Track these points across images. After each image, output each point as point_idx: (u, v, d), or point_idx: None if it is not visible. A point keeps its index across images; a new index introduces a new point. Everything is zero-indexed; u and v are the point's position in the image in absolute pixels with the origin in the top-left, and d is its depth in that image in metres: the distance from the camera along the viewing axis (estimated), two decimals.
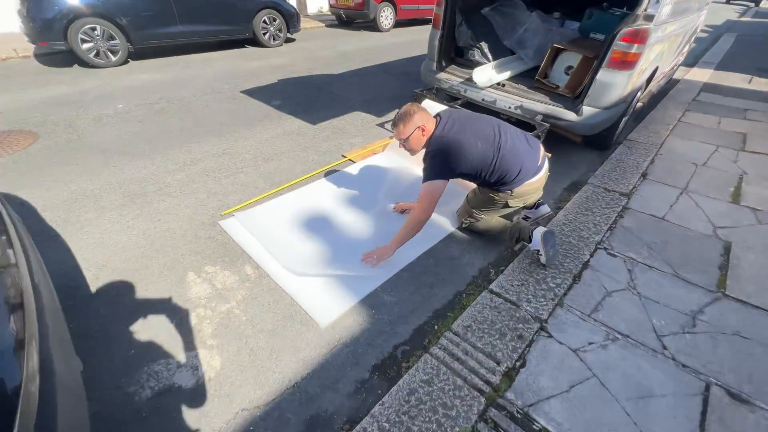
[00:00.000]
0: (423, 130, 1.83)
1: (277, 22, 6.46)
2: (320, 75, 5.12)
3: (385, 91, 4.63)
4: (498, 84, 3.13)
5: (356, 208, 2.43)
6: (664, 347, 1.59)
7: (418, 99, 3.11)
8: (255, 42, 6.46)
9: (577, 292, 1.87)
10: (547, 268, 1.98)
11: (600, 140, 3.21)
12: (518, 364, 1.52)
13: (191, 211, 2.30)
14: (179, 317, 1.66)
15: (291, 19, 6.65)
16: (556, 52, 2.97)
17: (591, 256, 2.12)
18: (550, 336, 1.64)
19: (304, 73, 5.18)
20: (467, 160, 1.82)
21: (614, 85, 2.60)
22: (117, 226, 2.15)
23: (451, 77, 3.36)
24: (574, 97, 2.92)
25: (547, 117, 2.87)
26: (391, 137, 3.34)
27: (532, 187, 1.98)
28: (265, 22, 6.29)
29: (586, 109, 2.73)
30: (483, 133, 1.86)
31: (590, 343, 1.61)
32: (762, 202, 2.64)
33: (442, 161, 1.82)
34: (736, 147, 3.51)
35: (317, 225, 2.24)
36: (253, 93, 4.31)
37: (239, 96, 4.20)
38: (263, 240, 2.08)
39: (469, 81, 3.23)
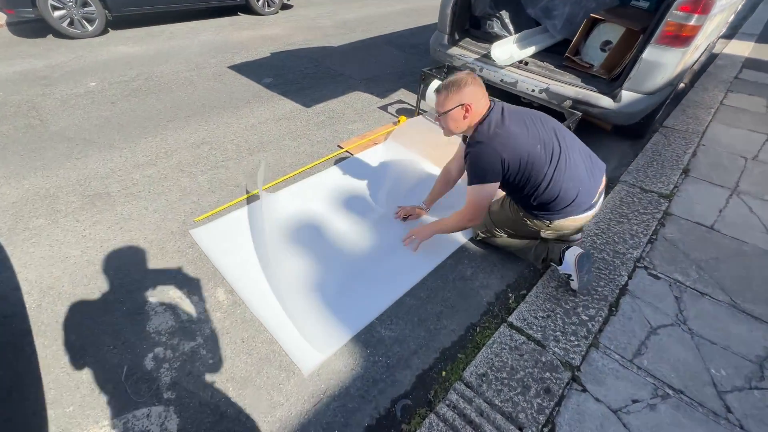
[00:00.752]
0: (467, 111, 1.43)
1: None
2: (318, 47, 4.62)
3: (388, 67, 4.15)
4: (520, 62, 2.68)
5: (353, 213, 2.08)
6: (728, 409, 1.28)
7: (426, 79, 2.68)
8: (248, 9, 5.88)
9: (615, 328, 1.55)
10: (578, 294, 1.65)
11: (634, 128, 2.78)
12: (546, 431, 1.22)
13: (159, 217, 1.97)
14: (131, 360, 1.37)
15: None
16: (592, 24, 2.49)
17: (629, 277, 1.78)
18: (585, 390, 1.34)
19: (300, 45, 4.67)
20: (523, 161, 1.40)
21: (663, 65, 2.15)
22: (71, 236, 1.84)
23: (465, 53, 2.90)
24: (610, 80, 2.47)
25: (577, 103, 2.44)
26: (395, 123, 2.93)
27: (577, 223, 1.58)
28: None
29: (626, 95, 2.30)
30: (544, 137, 1.44)
31: (635, 401, 1.31)
32: None
33: (493, 158, 1.40)
34: None
35: (306, 236, 1.91)
36: (242, 69, 3.86)
37: (226, 72, 3.76)
38: (241, 255, 1.77)
39: (487, 58, 2.77)
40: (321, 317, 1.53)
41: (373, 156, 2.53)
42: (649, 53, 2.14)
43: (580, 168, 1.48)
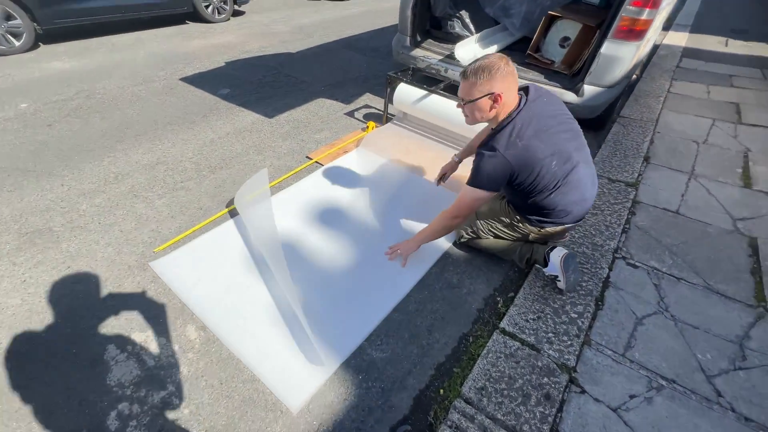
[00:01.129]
0: (496, 101, 1.31)
1: None
2: (275, 54, 4.45)
3: (351, 71, 4.06)
4: None
5: (329, 228, 1.98)
6: (719, 393, 1.31)
7: (392, 83, 2.63)
8: (196, 17, 5.58)
9: (603, 323, 1.55)
10: (565, 293, 1.65)
11: (595, 120, 2.87)
12: None
13: (113, 251, 1.77)
14: (91, 421, 1.20)
15: None
16: (550, 21, 2.53)
17: (610, 269, 1.80)
18: (584, 391, 1.32)
19: (256, 52, 4.49)
20: (533, 174, 1.36)
21: (621, 59, 2.22)
22: (7, 282, 1.60)
23: (428, 54, 2.87)
24: (571, 75, 2.53)
25: None
26: (363, 129, 2.86)
27: (564, 231, 1.63)
28: None
29: (588, 89, 2.36)
30: (561, 148, 1.38)
31: (632, 397, 1.30)
32: None
33: (501, 169, 1.34)
34: (732, 120, 3.28)
35: (279, 257, 1.78)
36: (196, 80, 3.63)
37: (178, 85, 3.52)
38: (210, 285, 1.62)
39: (450, 58, 2.76)
40: (305, 346, 1.42)
41: (344, 165, 2.44)
42: (607, 48, 2.20)
43: (586, 181, 1.48)
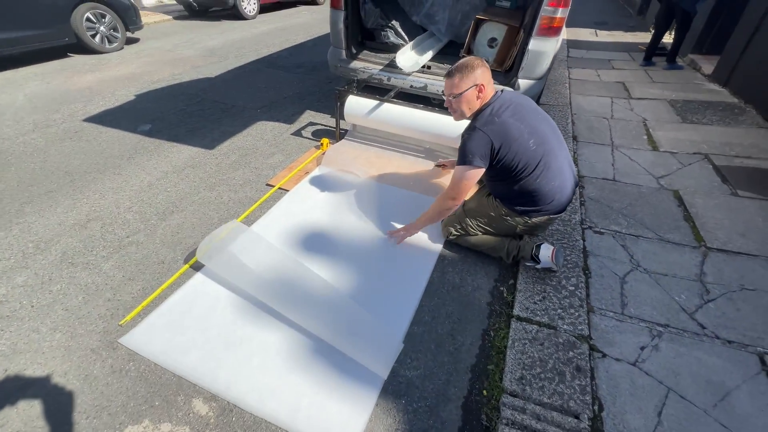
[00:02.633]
0: (480, 90, 1.49)
1: (107, 18, 4.96)
2: (193, 81, 4.09)
3: (283, 90, 3.91)
4: (423, 67, 2.79)
5: (316, 255, 1.86)
6: (702, 326, 1.52)
7: (341, 98, 2.58)
8: (82, 48, 4.88)
9: (596, 289, 1.70)
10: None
11: None
12: (596, 408, 1.26)
13: (64, 336, 1.44)
14: None
15: (127, 14, 5.19)
16: (477, 24, 2.74)
17: (583, 240, 1.99)
18: (604, 355, 1.43)
19: (169, 81, 4.07)
20: (513, 151, 1.48)
21: (545, 53, 2.49)
22: None
23: (367, 65, 2.89)
24: (504, 71, 2.75)
25: None
26: (317, 147, 2.76)
27: (549, 222, 1.73)
28: (89, 19, 4.76)
29: (522, 82, 2.59)
30: (540, 132, 1.52)
31: (642, 348, 1.45)
32: (673, 144, 2.91)
33: (484, 142, 1.47)
34: (624, 96, 3.89)
35: (272, 298, 1.62)
36: (105, 119, 3.16)
37: (84, 127, 3.03)
38: (204, 347, 1.40)
39: (391, 67, 2.82)
40: (335, 389, 1.31)
41: (311, 187, 2.32)
42: (534, 44, 2.44)
43: (565, 168, 1.61)
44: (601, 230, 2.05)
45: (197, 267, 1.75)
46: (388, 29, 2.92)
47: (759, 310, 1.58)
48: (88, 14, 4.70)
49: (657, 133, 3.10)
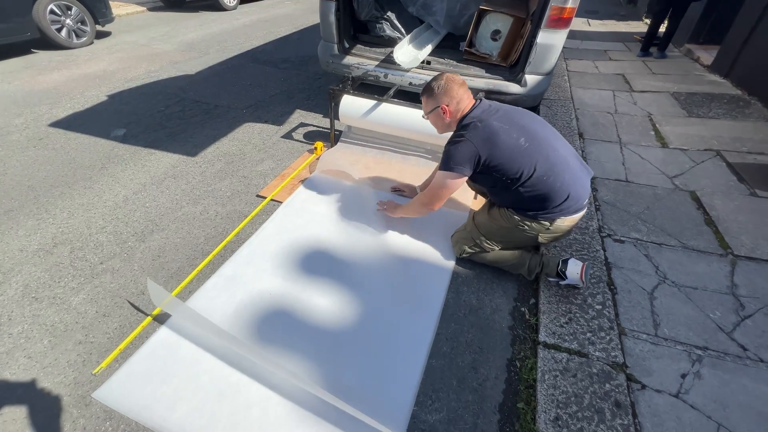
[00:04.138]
0: (444, 112, 1.49)
1: (74, 10, 4.57)
2: (171, 78, 3.79)
3: (269, 87, 3.66)
4: (423, 62, 2.59)
5: (317, 278, 1.67)
6: (743, 348, 1.40)
7: (335, 97, 2.37)
8: (47, 44, 4.50)
9: (625, 307, 1.57)
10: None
11: (532, 106, 3.01)
12: None
13: (26, 392, 1.23)
14: None
15: (96, 5, 4.79)
16: (479, 15, 2.54)
17: (604, 249, 1.86)
18: (644, 387, 1.30)
19: (144, 79, 3.77)
20: (503, 155, 1.39)
21: (554, 46, 2.32)
22: None
23: (362, 60, 2.68)
24: (509, 66, 2.58)
25: (490, 93, 2.48)
26: (311, 151, 2.55)
27: (572, 223, 1.53)
28: (54, 12, 4.37)
29: (530, 78, 2.43)
30: (528, 128, 1.41)
31: (683, 376, 1.32)
32: (682, 140, 2.80)
33: (468, 151, 1.40)
34: (625, 89, 3.77)
35: (271, 332, 1.44)
36: (73, 124, 2.87)
37: (49, 133, 2.74)
38: (194, 399, 1.21)
39: (388, 63, 2.62)
40: None
41: (306, 197, 2.12)
42: (542, 37, 2.27)
43: (571, 160, 1.46)
44: (621, 238, 1.92)
45: (184, 298, 1.54)
46: (383, 21, 2.70)
47: None
48: (51, 6, 4.31)
49: (664, 128, 2.98)
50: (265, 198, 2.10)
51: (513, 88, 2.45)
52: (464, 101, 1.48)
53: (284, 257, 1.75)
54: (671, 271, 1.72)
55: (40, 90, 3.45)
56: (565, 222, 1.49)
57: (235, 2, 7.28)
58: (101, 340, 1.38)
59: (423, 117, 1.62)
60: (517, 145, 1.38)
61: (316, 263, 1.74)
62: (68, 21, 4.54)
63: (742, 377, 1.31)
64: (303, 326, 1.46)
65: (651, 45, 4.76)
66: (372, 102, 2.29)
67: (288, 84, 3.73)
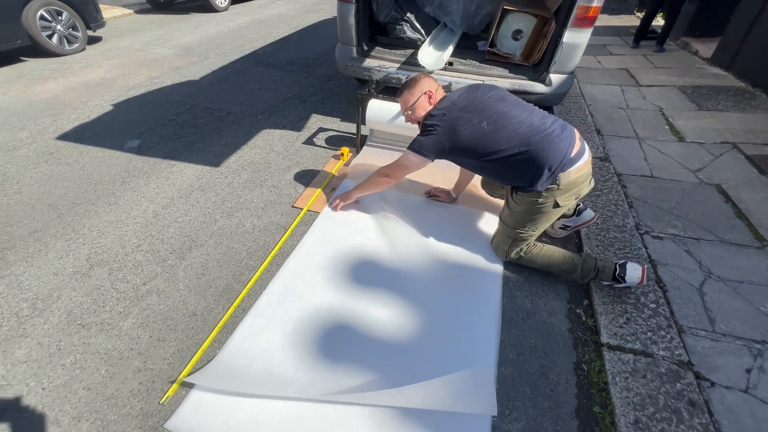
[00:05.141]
0: (430, 96, 1.67)
1: (64, 15, 4.39)
2: (174, 85, 3.68)
3: (280, 91, 3.58)
4: (446, 63, 2.57)
5: (369, 292, 1.64)
6: None
7: (362, 102, 2.34)
8: (37, 51, 4.30)
9: (678, 304, 1.59)
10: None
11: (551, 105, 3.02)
12: None
13: (96, 428, 1.17)
14: None
15: (86, 9, 4.61)
16: (501, 15, 2.54)
17: (645, 247, 1.88)
18: (713, 384, 1.32)
19: (147, 86, 3.64)
20: (464, 140, 1.53)
21: (579, 45, 2.33)
22: None
23: (383, 63, 2.65)
24: (532, 66, 2.58)
25: (515, 93, 2.47)
26: (337, 157, 2.51)
27: (582, 172, 1.51)
28: (44, 18, 4.18)
29: (555, 77, 2.44)
30: (488, 111, 1.52)
31: (748, 371, 1.35)
32: (697, 134, 2.86)
33: (433, 140, 1.58)
34: (632, 83, 3.83)
35: (336, 355, 1.41)
36: (83, 136, 2.76)
37: (59, 147, 2.63)
38: (273, 424, 1.18)
39: (410, 65, 2.59)
40: None
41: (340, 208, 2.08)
42: (569, 36, 2.28)
43: (548, 126, 1.49)
44: (660, 235, 1.95)
45: (241, 313, 1.50)
46: (403, 23, 2.67)
47: None
48: (41, 12, 4.13)
49: (677, 122, 3.04)
50: (301, 209, 2.06)
51: (538, 87, 2.46)
52: (440, 90, 1.71)
53: (332, 269, 1.71)
54: (714, 266, 1.76)
55: (40, 101, 3.30)
56: (571, 175, 1.46)
57: (226, 3, 7.11)
58: (161, 366, 1.33)
59: (407, 112, 1.72)
60: (479, 129, 1.50)
61: (365, 273, 1.71)
62: (59, 27, 4.36)
63: None
64: (365, 339, 1.44)
65: (643, 38, 4.88)
66: (395, 104, 2.26)
67: (298, 87, 3.66)
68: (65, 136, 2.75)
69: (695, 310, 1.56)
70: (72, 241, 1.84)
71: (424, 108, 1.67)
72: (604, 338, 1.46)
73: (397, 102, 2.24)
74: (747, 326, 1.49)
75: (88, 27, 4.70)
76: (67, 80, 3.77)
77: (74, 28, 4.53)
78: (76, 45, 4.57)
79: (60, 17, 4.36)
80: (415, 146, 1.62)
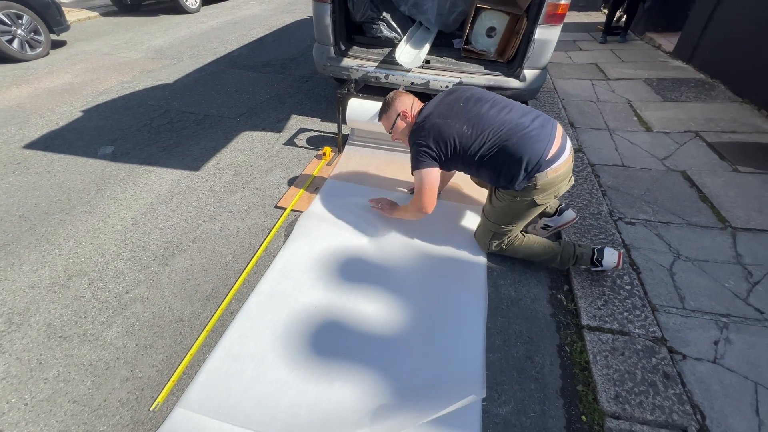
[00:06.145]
0: (405, 115, 1.71)
1: (25, 19, 4.19)
2: (148, 89, 3.58)
3: (257, 93, 3.54)
4: (423, 61, 2.61)
5: (357, 289, 1.66)
6: (760, 311, 1.55)
7: (342, 101, 2.35)
8: None
9: (651, 285, 1.68)
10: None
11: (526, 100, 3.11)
12: (699, 418, 1.23)
13: None
14: None
15: (48, 12, 4.42)
16: (475, 13, 2.60)
17: (619, 232, 1.97)
18: (685, 357, 1.40)
19: (117, 90, 3.53)
20: (450, 144, 1.56)
21: (550, 41, 2.42)
22: None
23: (361, 62, 2.66)
24: (506, 62, 2.66)
25: (490, 89, 2.53)
26: (319, 157, 2.51)
27: (560, 172, 1.53)
28: (3, 22, 3.99)
29: (529, 73, 2.51)
30: (467, 115, 1.56)
31: (716, 343, 1.45)
32: (663, 124, 3.01)
33: (425, 150, 1.59)
34: (601, 77, 3.98)
35: (328, 352, 1.42)
36: (53, 143, 2.66)
37: (27, 156, 2.52)
38: (264, 422, 1.18)
39: (388, 63, 2.62)
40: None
41: (327, 204, 2.09)
42: (540, 33, 2.36)
43: (523, 123, 1.49)
44: (632, 220, 2.05)
45: (230, 313, 1.49)
46: (379, 22, 2.69)
47: None
48: (0, 15, 3.93)
49: (645, 113, 3.19)
50: (284, 209, 2.05)
51: (513, 83, 2.53)
52: (416, 103, 1.73)
53: (320, 268, 1.72)
54: (683, 247, 1.86)
55: (2, 108, 3.16)
56: (548, 175, 1.49)
57: (197, 4, 6.95)
58: (150, 373, 1.31)
59: (390, 133, 1.80)
60: (461, 133, 1.54)
61: (352, 270, 1.73)
62: (20, 31, 4.16)
63: (765, 338, 1.45)
64: (357, 336, 1.46)
65: (609, 33, 5.12)
66: (379, 104, 2.29)
67: (276, 89, 3.63)
68: (33, 145, 2.64)
69: (666, 289, 1.66)
70: (47, 253, 1.78)
71: (402, 128, 1.73)
72: (584, 320, 1.54)
73: (381, 102, 2.29)
74: (713, 302, 1.59)
75: (52, 31, 4.51)
76: (31, 86, 3.61)
77: (36, 32, 4.33)
78: (39, 50, 4.38)
79: (20, 21, 4.16)
80: (418, 165, 1.62)
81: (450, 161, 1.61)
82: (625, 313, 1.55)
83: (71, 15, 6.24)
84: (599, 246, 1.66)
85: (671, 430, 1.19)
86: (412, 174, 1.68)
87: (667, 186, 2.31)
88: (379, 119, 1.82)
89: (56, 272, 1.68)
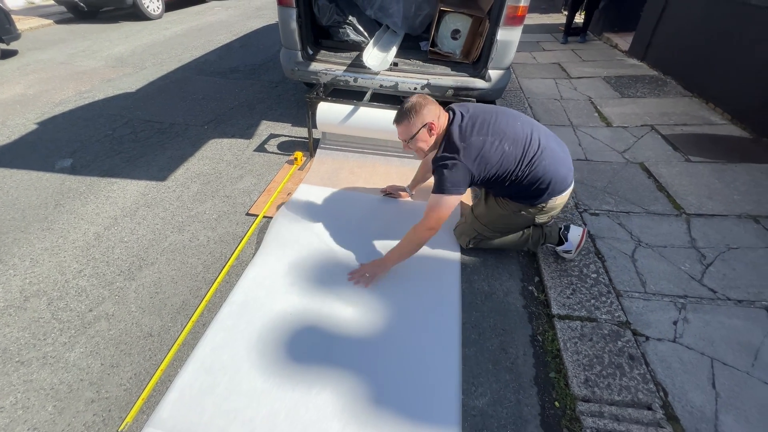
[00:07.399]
0: (432, 129, 1.50)
1: None
2: (108, 98, 3.44)
3: (225, 99, 3.47)
4: (390, 64, 2.64)
5: (333, 292, 1.66)
6: (713, 291, 1.65)
7: (312, 105, 2.34)
8: None
9: (615, 272, 1.77)
10: (569, 257, 1.80)
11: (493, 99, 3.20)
12: (662, 395, 1.30)
13: None
14: None
15: None
16: (439, 16, 2.65)
17: (584, 223, 2.06)
18: (647, 338, 1.48)
19: (75, 100, 3.38)
20: (491, 166, 1.46)
21: (512, 42, 2.50)
22: None
23: (329, 66, 2.66)
24: (472, 63, 2.73)
25: (458, 90, 2.61)
26: (290, 162, 2.49)
27: (564, 200, 1.64)
28: None
29: (493, 73, 2.59)
30: (504, 130, 1.46)
31: (675, 323, 1.53)
32: (622, 119, 3.16)
33: (458, 171, 1.44)
34: (564, 76, 4.15)
35: (304, 359, 1.41)
36: (4, 158, 2.51)
37: None
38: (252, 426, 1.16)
39: (356, 67, 2.63)
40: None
41: (299, 209, 2.07)
42: (502, 34, 2.43)
43: (552, 146, 1.54)
44: (596, 211, 2.14)
45: (200, 327, 1.45)
46: (346, 26, 2.70)
47: (749, 266, 1.76)
48: None
49: (605, 109, 3.34)
50: (256, 216, 2.02)
51: (479, 83, 2.60)
52: (443, 115, 1.53)
53: (293, 273, 1.70)
54: (643, 235, 1.96)
55: None
56: (557, 200, 1.61)
57: (160, 10, 6.75)
58: (117, 393, 1.26)
59: (405, 142, 1.57)
60: (503, 151, 1.45)
61: (326, 274, 1.72)
62: None
63: (718, 315, 1.55)
64: (332, 340, 1.45)
65: (570, 34, 5.35)
66: (349, 107, 2.30)
67: (245, 95, 3.57)
68: None
69: (629, 275, 1.74)
70: (0, 274, 1.67)
71: (425, 141, 1.52)
72: (555, 309, 1.59)
73: (351, 105, 2.30)
74: (672, 284, 1.69)
75: (1, 40, 4.26)
76: None
77: None
78: None
79: None
80: (445, 186, 1.44)
81: (482, 182, 1.51)
82: (592, 300, 1.62)
83: (22, 23, 5.93)
84: (566, 224, 1.74)
85: (637, 408, 1.25)
86: (436, 193, 1.48)
87: (627, 177, 2.42)
88: (397, 124, 1.55)
89: (11, 293, 1.58)
